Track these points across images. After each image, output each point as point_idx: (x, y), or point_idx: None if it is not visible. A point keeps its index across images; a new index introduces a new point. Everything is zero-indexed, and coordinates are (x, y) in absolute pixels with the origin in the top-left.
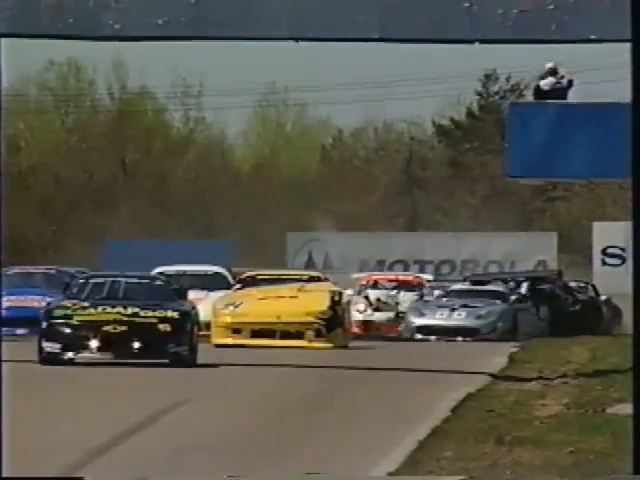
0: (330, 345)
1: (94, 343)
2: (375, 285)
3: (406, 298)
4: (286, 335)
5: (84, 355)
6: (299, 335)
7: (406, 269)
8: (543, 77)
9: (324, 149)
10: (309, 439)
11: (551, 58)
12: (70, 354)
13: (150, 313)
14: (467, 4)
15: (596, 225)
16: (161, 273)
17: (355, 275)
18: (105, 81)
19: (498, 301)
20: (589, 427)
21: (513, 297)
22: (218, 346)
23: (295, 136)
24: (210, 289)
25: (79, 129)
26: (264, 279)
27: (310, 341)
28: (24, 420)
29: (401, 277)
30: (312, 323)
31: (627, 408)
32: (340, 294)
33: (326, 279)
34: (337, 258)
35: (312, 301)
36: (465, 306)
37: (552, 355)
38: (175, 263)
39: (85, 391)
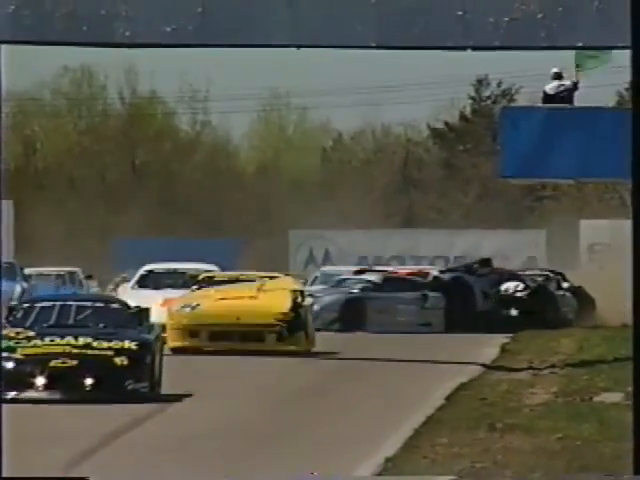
0: (292, 348)
1: (40, 380)
2: None
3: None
4: (246, 338)
5: (29, 394)
6: (260, 338)
7: (402, 264)
8: (551, 81)
9: (324, 151)
10: (309, 427)
11: (540, 64)
12: (12, 393)
13: (105, 344)
14: (460, 12)
15: (583, 223)
16: (150, 271)
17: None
18: (116, 86)
19: (355, 290)
20: (576, 415)
21: (361, 286)
22: (174, 350)
23: (297, 139)
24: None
25: (91, 132)
26: (222, 280)
27: (270, 345)
28: None
29: (423, 271)
30: (273, 325)
31: (612, 397)
32: (302, 294)
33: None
34: (336, 254)
35: (272, 302)
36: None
37: (541, 346)
38: (183, 260)
39: None
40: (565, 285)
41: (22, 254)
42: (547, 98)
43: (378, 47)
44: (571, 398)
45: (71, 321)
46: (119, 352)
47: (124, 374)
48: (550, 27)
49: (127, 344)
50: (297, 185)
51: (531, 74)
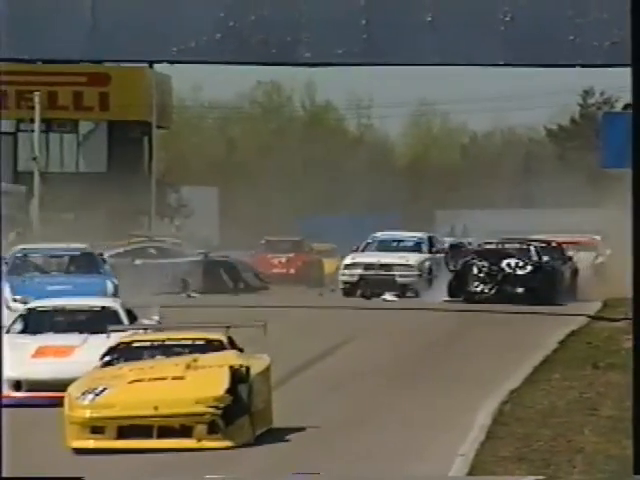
0: (228, 444)
1: None
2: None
3: (584, 258)
4: (166, 432)
5: None
6: (185, 432)
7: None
8: None
9: (463, 147)
10: (446, 367)
11: None
12: None
13: None
14: (571, 37)
15: None
16: (32, 309)
17: (535, 237)
18: (299, 97)
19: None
20: None
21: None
22: (77, 451)
23: (441, 137)
24: (93, 330)
25: (279, 133)
26: (144, 347)
27: (200, 440)
28: None
29: (578, 239)
30: (203, 414)
31: None
32: (247, 369)
33: (231, 342)
34: (472, 229)
35: (204, 383)
36: None
37: None
38: (350, 232)
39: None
40: (545, 257)
41: (229, 231)
42: None
43: (506, 65)
44: None
45: None
46: None
47: None
48: None
49: None
50: (441, 174)
51: (628, 86)
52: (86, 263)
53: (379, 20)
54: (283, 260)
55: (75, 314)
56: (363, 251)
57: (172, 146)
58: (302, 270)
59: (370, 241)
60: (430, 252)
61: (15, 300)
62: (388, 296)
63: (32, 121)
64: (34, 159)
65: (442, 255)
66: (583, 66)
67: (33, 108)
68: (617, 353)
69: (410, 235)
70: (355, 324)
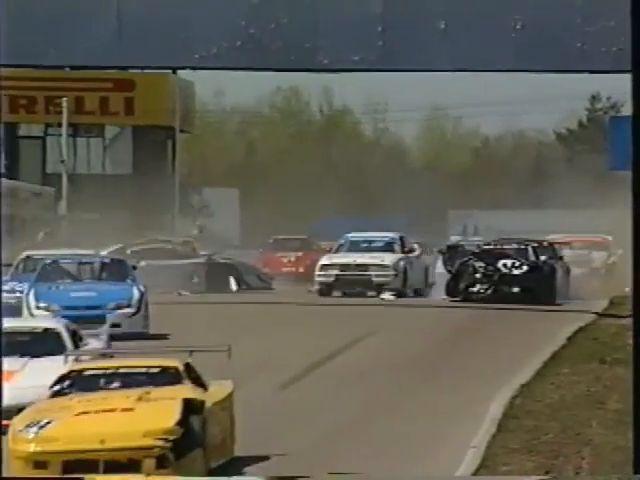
0: (179, 479)
1: None
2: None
3: (597, 257)
4: (114, 467)
5: None
6: (133, 466)
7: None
8: None
9: (475, 150)
10: (457, 360)
11: None
12: None
13: None
14: (579, 44)
15: None
16: None
17: (550, 237)
18: (317, 101)
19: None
20: None
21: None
22: None
23: (453, 141)
24: (34, 354)
25: (298, 137)
26: (96, 375)
27: (148, 474)
28: None
29: (591, 239)
30: (152, 448)
31: None
32: (202, 402)
33: (188, 369)
34: (483, 229)
35: (154, 415)
36: None
37: None
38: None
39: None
40: (543, 257)
41: (246, 233)
42: None
43: (515, 70)
44: None
45: None
46: None
47: None
48: None
49: None
50: (454, 176)
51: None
52: (115, 270)
53: (394, 27)
54: (292, 259)
55: (16, 336)
56: (337, 252)
57: (195, 149)
58: (311, 268)
59: (342, 242)
60: (403, 252)
61: (39, 308)
62: (386, 295)
63: (60, 125)
64: (62, 162)
65: (414, 255)
66: (591, 72)
67: (61, 113)
68: (623, 349)
69: (382, 235)
70: (357, 323)
